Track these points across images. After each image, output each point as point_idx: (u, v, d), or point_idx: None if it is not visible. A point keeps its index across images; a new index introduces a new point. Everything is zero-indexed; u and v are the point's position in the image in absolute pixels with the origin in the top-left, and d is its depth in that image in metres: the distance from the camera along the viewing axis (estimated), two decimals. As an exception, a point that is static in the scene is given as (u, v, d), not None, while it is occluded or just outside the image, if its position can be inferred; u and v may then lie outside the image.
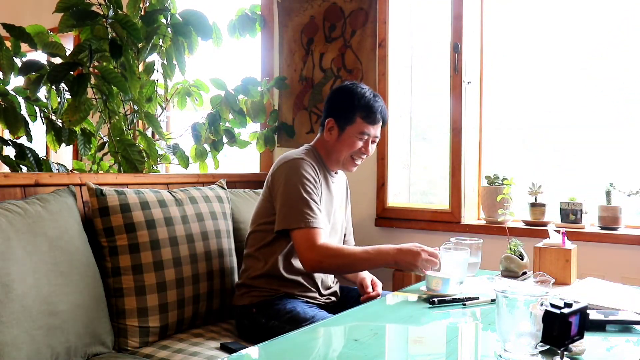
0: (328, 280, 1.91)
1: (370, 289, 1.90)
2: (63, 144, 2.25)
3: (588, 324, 0.82)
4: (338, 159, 1.87)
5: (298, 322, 1.63)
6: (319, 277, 1.86)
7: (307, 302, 1.80)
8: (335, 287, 1.96)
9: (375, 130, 1.85)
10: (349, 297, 1.95)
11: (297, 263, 1.79)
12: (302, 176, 1.75)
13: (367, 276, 1.95)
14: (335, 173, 1.97)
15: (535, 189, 2.31)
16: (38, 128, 2.31)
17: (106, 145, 2.41)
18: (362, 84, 1.90)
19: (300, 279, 1.81)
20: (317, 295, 1.85)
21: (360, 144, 1.83)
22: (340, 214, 1.97)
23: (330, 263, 1.67)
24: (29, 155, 2.17)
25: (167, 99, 2.63)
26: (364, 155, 1.88)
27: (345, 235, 2.07)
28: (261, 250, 1.83)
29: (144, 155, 2.26)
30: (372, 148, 1.90)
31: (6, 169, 2.17)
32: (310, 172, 1.78)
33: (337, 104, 1.86)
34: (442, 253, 1.60)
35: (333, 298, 1.93)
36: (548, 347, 0.91)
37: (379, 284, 1.94)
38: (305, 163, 1.79)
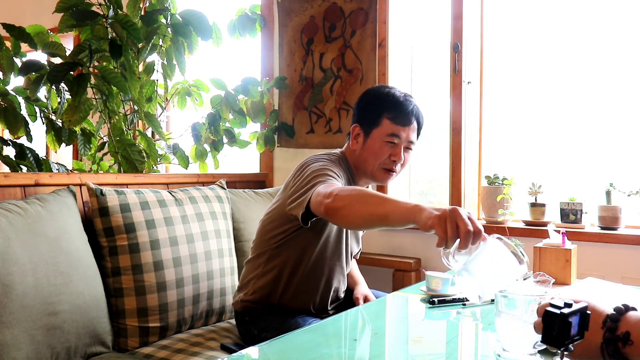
0: (326, 300, 1.74)
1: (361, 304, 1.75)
2: (63, 144, 2.25)
3: (588, 324, 0.82)
4: (366, 170, 1.65)
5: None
6: (318, 303, 1.71)
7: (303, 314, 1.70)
8: (336, 301, 1.82)
9: (407, 134, 1.61)
10: (350, 298, 1.93)
11: (297, 294, 1.67)
12: (321, 163, 1.53)
13: (361, 295, 1.82)
14: (366, 187, 1.76)
15: (535, 189, 2.31)
16: (38, 128, 2.31)
17: (106, 145, 2.41)
18: (394, 87, 1.69)
19: (294, 304, 1.67)
20: (312, 311, 1.73)
21: (389, 150, 1.60)
22: (361, 234, 1.86)
23: (341, 195, 1.30)
24: (29, 155, 2.17)
25: (167, 99, 2.63)
26: (397, 164, 1.63)
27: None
28: (263, 266, 1.68)
29: (144, 155, 2.26)
30: (408, 156, 1.66)
31: (6, 169, 2.17)
32: (335, 168, 1.53)
33: (363, 107, 1.66)
34: (489, 240, 1.12)
35: (331, 312, 1.79)
36: (547, 346, 0.91)
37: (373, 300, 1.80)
38: (331, 161, 1.58)
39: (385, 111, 1.60)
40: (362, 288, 1.88)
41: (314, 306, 1.71)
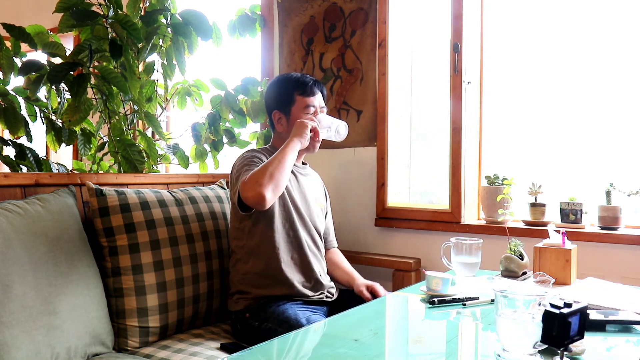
0: (315, 270, 1.87)
1: (368, 295, 1.86)
2: (63, 144, 2.25)
3: (588, 324, 0.82)
4: None
5: (290, 323, 1.63)
6: (305, 272, 1.85)
7: (300, 303, 1.80)
8: (329, 284, 1.93)
9: (317, 101, 1.92)
10: (349, 297, 1.94)
11: (283, 278, 1.80)
12: (246, 158, 1.80)
13: (363, 287, 1.90)
14: (304, 164, 2.01)
15: (535, 189, 2.31)
16: (38, 128, 2.31)
17: (106, 145, 2.41)
18: (289, 72, 2.01)
19: (286, 274, 1.80)
20: (309, 292, 1.84)
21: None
22: (316, 208, 1.95)
23: (257, 180, 1.61)
24: (29, 155, 2.17)
25: (167, 99, 2.63)
26: None
27: (328, 236, 2.06)
28: (241, 250, 1.85)
29: (144, 155, 2.26)
30: None
31: (6, 169, 2.17)
32: (256, 155, 1.82)
33: (273, 96, 1.95)
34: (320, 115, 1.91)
35: (327, 293, 1.90)
36: (547, 346, 0.91)
37: (379, 288, 1.89)
38: (253, 151, 1.86)
39: (293, 90, 1.90)
40: (361, 280, 1.95)
41: (305, 285, 1.84)
